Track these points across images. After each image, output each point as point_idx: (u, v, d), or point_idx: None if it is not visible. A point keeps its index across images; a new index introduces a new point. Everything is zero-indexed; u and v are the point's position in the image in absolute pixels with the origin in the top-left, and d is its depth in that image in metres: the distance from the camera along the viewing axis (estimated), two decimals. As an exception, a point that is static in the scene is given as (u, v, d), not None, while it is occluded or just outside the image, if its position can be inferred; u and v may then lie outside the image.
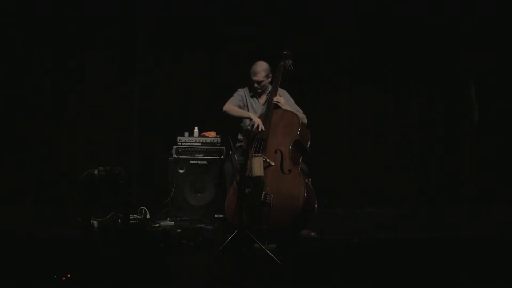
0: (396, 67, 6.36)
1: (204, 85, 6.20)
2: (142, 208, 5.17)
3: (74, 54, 6.00)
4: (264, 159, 4.27)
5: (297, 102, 4.85)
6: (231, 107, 4.82)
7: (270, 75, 4.84)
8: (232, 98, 4.88)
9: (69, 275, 3.24)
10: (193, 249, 4.15)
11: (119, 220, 4.70)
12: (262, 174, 4.15)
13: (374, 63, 6.33)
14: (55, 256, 3.69)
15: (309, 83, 6.14)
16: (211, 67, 6.22)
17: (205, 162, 5.41)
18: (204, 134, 5.55)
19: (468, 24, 6.21)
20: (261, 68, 4.80)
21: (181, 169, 5.40)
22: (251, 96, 4.92)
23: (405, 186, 6.33)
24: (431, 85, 6.37)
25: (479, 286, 3.32)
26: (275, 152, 4.38)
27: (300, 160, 4.43)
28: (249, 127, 4.55)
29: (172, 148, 5.43)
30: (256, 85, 4.83)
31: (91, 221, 4.51)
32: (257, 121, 4.51)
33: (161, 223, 5.10)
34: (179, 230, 4.73)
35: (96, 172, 4.37)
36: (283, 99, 4.67)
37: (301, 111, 4.76)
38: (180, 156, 5.41)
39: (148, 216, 5.14)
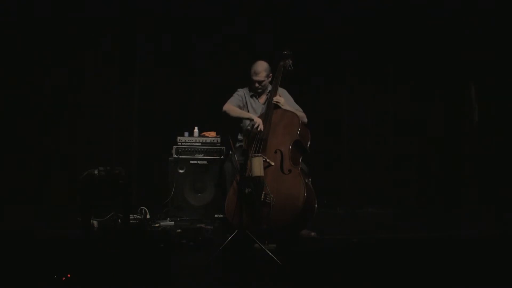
0: (396, 67, 6.35)
1: (204, 85, 6.21)
2: (142, 208, 5.18)
3: (74, 54, 5.99)
4: (264, 159, 4.27)
5: (297, 102, 4.86)
6: (231, 107, 4.82)
7: (270, 74, 4.84)
8: (231, 98, 4.88)
9: (69, 275, 3.24)
10: (193, 249, 4.16)
11: (119, 220, 4.70)
12: (262, 174, 4.15)
13: (374, 63, 6.33)
14: (55, 256, 3.68)
15: (309, 83, 6.13)
16: (211, 67, 6.22)
17: (205, 162, 5.41)
18: (204, 134, 5.55)
19: (468, 24, 6.20)
20: (262, 68, 4.80)
21: (181, 169, 5.40)
22: (251, 96, 4.92)
23: (405, 186, 6.33)
24: (431, 85, 6.36)
25: (479, 286, 3.32)
26: (275, 152, 4.38)
27: (300, 160, 4.43)
28: (249, 127, 4.56)
29: (172, 148, 5.43)
30: (257, 84, 4.83)
31: (91, 221, 4.52)
32: (258, 121, 4.51)
33: (161, 223, 5.10)
34: (179, 230, 4.74)
35: (96, 172, 4.37)
36: (283, 99, 4.67)
37: (301, 110, 4.77)
38: (180, 156, 5.41)
39: (148, 216, 5.14)
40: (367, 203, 6.19)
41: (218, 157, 5.39)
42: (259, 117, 4.60)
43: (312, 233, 4.48)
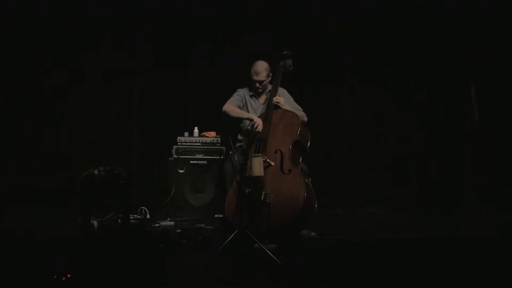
0: (396, 67, 6.36)
1: (204, 85, 6.21)
2: (142, 208, 5.18)
3: (74, 54, 6.00)
4: (264, 159, 4.27)
5: (297, 102, 4.85)
6: (231, 107, 4.82)
7: (271, 74, 4.84)
8: (231, 98, 4.88)
9: (69, 275, 3.23)
10: (193, 249, 4.15)
11: (119, 220, 4.70)
12: (262, 174, 4.15)
13: (374, 63, 6.32)
14: (55, 256, 3.68)
15: (309, 83, 6.13)
16: (211, 67, 6.22)
17: (205, 162, 5.41)
18: (204, 134, 5.55)
19: (468, 24, 6.20)
20: (262, 68, 4.80)
21: (181, 169, 5.40)
22: (251, 96, 4.92)
23: (405, 186, 6.33)
24: (431, 85, 6.36)
25: (479, 286, 3.32)
26: (275, 152, 4.38)
27: (300, 160, 4.43)
28: (249, 127, 4.56)
29: (172, 148, 5.43)
30: (257, 84, 4.83)
31: (91, 221, 4.51)
32: (258, 121, 4.51)
33: (161, 223, 5.10)
34: (179, 230, 4.73)
35: (96, 172, 4.37)
36: (283, 98, 4.67)
37: (301, 109, 4.77)
38: (180, 156, 5.41)
39: (148, 216, 5.14)
40: (367, 203, 6.19)
41: (218, 157, 5.39)
42: (259, 117, 4.60)
43: (312, 233, 4.48)
